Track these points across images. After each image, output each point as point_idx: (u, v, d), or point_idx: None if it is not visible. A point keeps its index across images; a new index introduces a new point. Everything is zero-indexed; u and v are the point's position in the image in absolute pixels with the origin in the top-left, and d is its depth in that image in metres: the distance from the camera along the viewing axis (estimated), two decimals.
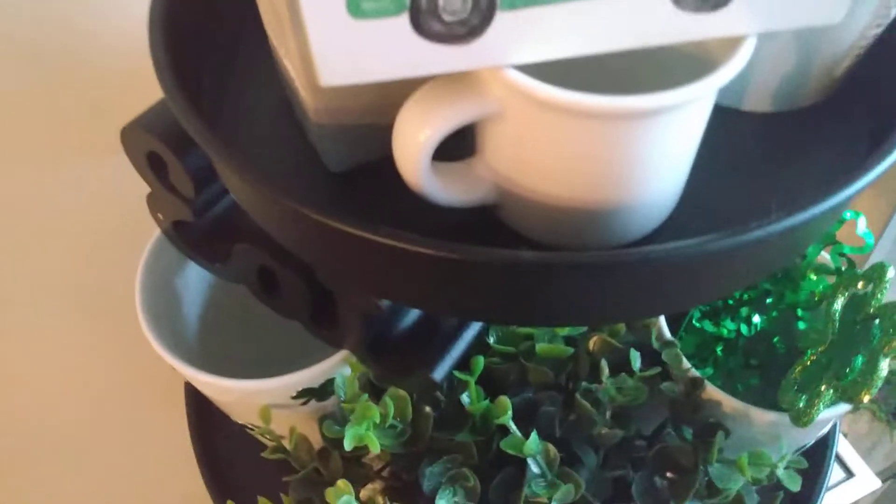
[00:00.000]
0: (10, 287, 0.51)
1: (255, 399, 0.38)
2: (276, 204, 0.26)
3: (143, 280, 0.41)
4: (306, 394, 0.37)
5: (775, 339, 0.46)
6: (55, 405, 0.54)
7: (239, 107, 0.33)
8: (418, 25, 0.21)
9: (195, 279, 0.44)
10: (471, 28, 0.21)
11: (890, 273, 0.35)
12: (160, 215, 0.40)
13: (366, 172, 0.30)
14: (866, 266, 0.39)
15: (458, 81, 0.24)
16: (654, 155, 0.24)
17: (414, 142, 0.24)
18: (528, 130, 0.24)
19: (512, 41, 0.22)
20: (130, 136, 0.35)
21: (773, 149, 0.31)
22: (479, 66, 0.22)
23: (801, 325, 0.44)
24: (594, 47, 0.22)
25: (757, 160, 0.31)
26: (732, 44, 0.23)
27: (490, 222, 0.28)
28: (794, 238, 0.26)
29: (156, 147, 0.34)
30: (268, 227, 0.30)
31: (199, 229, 0.39)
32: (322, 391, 0.38)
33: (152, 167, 0.36)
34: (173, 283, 0.43)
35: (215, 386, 0.37)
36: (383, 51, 0.21)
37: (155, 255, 0.42)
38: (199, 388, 0.40)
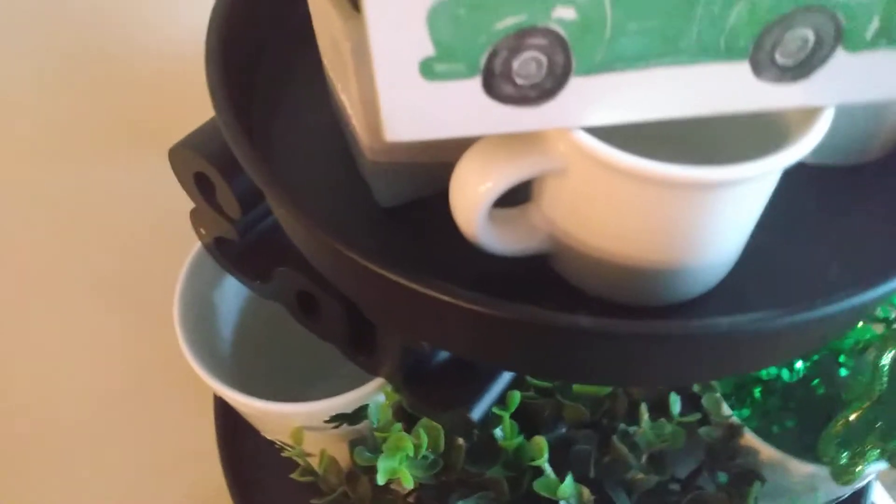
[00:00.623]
0: (49, 283, 0.52)
1: (287, 421, 0.38)
2: (325, 246, 0.26)
3: (183, 291, 0.41)
4: (339, 419, 0.37)
5: (815, 383, 0.46)
6: (82, 402, 0.55)
7: (290, 134, 0.33)
8: (490, 88, 0.20)
9: (233, 292, 0.44)
10: (543, 91, 0.21)
11: None
12: (203, 230, 0.40)
13: (416, 208, 0.30)
14: None
15: (522, 135, 0.23)
16: (720, 221, 0.23)
17: (474, 194, 0.24)
18: (590, 189, 0.24)
19: (584, 105, 0.21)
20: (178, 155, 0.35)
21: (835, 205, 0.30)
22: (549, 126, 0.22)
23: (843, 372, 0.44)
24: (668, 113, 0.22)
25: (817, 216, 0.30)
26: (810, 112, 0.22)
27: (539, 268, 0.28)
28: (857, 312, 0.26)
29: (204, 168, 0.34)
30: (314, 261, 0.30)
31: (240, 247, 0.39)
32: (355, 416, 0.38)
33: (199, 186, 0.36)
34: (211, 295, 0.43)
35: (248, 405, 0.37)
36: (452, 110, 0.21)
37: (195, 268, 0.42)
38: (231, 403, 0.40)
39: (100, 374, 0.52)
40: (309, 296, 0.36)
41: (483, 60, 0.20)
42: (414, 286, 0.23)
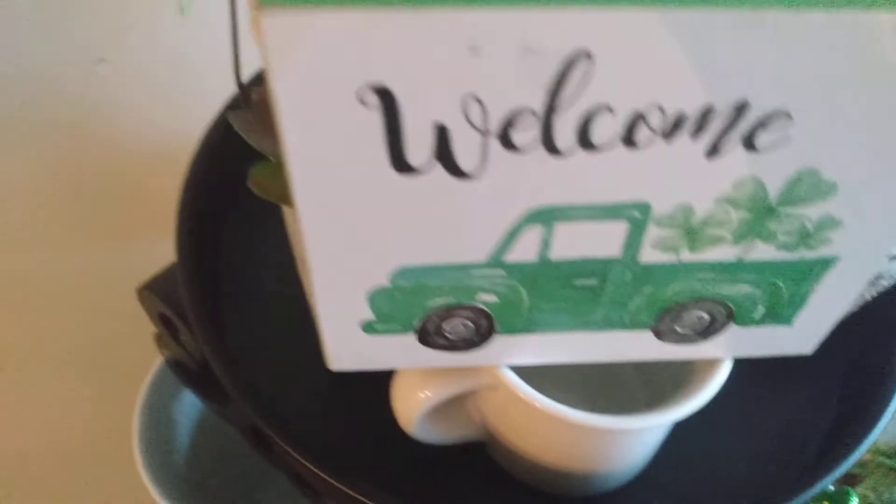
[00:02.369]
0: (22, 356, 0.55)
1: None
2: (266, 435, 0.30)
3: (143, 403, 0.44)
4: None
5: None
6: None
7: (252, 287, 0.36)
8: (424, 340, 0.24)
9: (191, 401, 0.47)
10: (471, 343, 0.24)
11: (853, 503, 0.38)
12: (166, 351, 0.43)
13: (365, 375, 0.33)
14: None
15: None
16: (631, 448, 0.27)
17: (414, 400, 0.27)
18: (513, 408, 0.27)
19: (507, 352, 0.25)
20: (145, 296, 0.38)
21: (757, 391, 0.34)
22: (477, 365, 0.25)
23: None
24: (582, 359, 0.25)
25: (739, 404, 0.34)
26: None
27: (476, 447, 0.32)
28: None
29: (167, 313, 0.37)
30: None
31: (201, 371, 0.42)
32: None
33: (164, 323, 0.39)
34: (171, 407, 0.46)
35: None
36: (389, 352, 0.24)
37: (157, 378, 0.45)
38: None
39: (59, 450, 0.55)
40: (262, 430, 0.39)
41: (417, 324, 0.23)
42: (341, 487, 0.27)
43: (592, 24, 0.15)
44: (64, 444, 0.54)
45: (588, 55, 0.15)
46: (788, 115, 0.17)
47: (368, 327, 0.23)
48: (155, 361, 0.46)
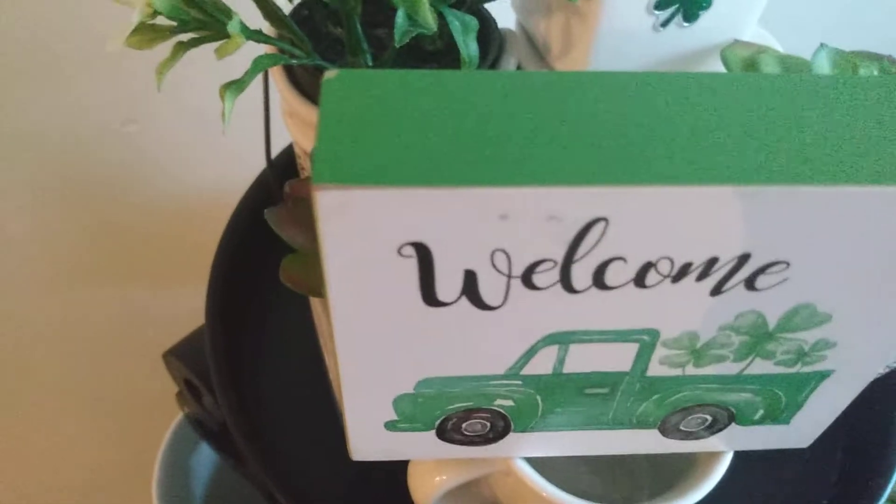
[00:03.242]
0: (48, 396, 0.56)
1: None
2: None
3: (164, 456, 0.46)
4: None
5: None
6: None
7: (276, 361, 0.38)
8: (443, 436, 0.25)
9: (209, 453, 0.49)
10: (487, 440, 0.26)
11: None
12: (187, 409, 0.45)
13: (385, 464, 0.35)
14: None
15: None
16: None
17: (430, 483, 0.29)
18: (525, 494, 0.29)
19: (521, 446, 0.26)
20: (170, 361, 0.39)
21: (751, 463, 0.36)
22: (492, 457, 0.27)
23: None
24: (592, 452, 0.27)
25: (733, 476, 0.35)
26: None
27: None
28: None
29: (192, 378, 0.39)
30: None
31: (219, 431, 0.44)
32: None
33: (187, 385, 0.40)
34: (190, 456, 0.48)
35: None
36: (410, 446, 0.26)
37: (178, 431, 0.46)
38: None
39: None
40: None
41: (437, 423, 0.25)
42: None
43: (607, 197, 0.17)
44: (84, 487, 0.56)
45: (605, 220, 0.17)
46: (787, 263, 0.19)
47: (391, 425, 0.25)
48: (177, 412, 0.48)
